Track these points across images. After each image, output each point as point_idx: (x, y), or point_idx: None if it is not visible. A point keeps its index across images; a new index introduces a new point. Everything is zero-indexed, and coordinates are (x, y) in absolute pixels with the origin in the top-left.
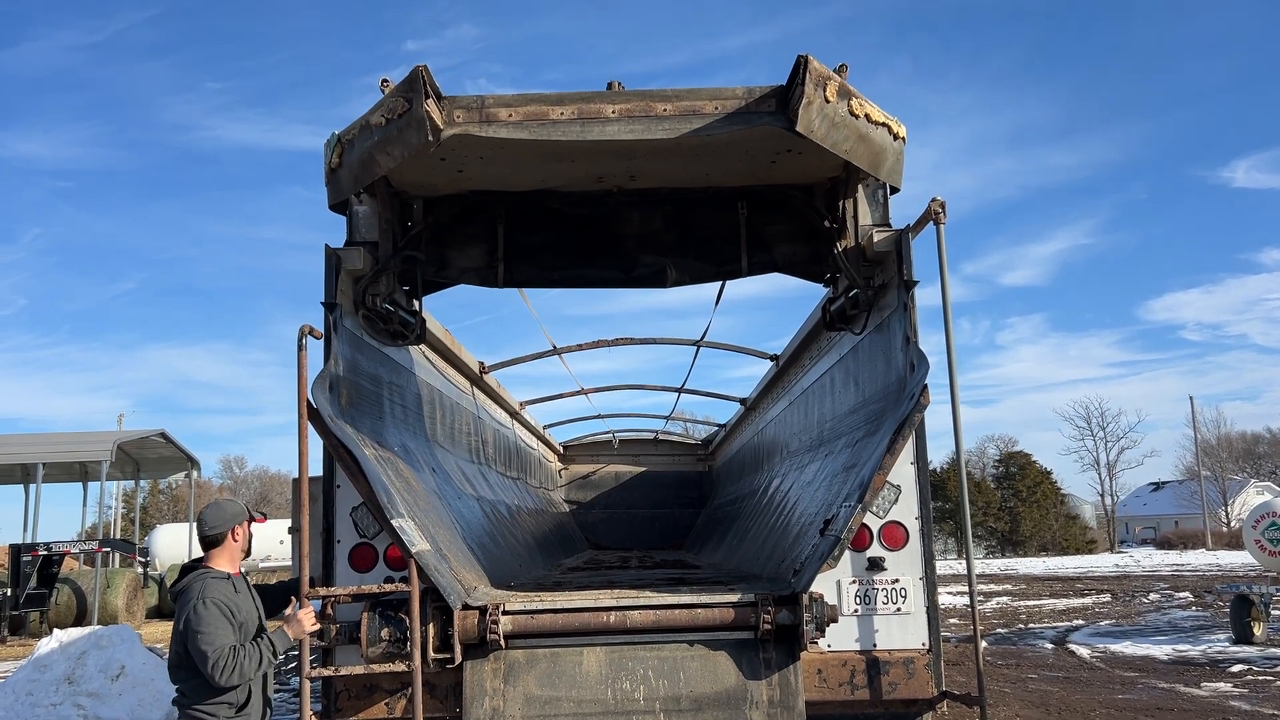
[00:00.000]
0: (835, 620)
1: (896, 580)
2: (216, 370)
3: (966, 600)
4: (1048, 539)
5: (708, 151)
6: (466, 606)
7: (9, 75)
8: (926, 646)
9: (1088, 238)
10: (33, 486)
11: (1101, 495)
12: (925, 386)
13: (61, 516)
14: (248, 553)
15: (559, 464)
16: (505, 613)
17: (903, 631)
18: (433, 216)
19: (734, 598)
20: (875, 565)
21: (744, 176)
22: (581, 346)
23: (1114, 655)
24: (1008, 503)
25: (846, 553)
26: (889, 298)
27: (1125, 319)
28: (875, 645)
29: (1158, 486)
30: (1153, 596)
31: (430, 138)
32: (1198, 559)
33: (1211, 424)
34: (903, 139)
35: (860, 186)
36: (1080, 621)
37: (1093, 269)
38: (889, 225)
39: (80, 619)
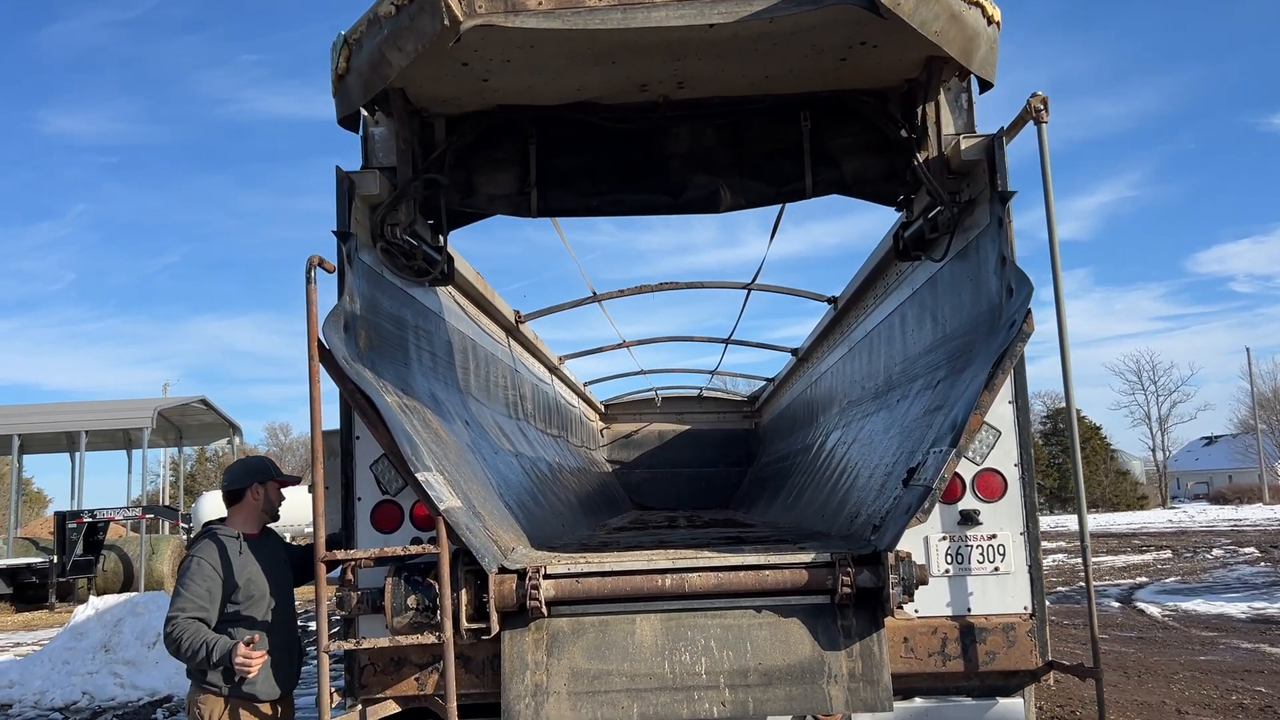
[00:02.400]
0: (925, 582)
1: (993, 536)
2: (261, 340)
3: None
4: (1097, 495)
5: (768, 46)
6: (503, 570)
7: (47, 54)
8: (1029, 610)
9: (1133, 190)
10: (78, 455)
11: (1153, 450)
12: (1029, 312)
13: (112, 485)
14: (274, 516)
15: (601, 423)
16: (547, 576)
17: (1001, 594)
18: (456, 137)
19: (807, 557)
20: (969, 519)
21: (808, 80)
22: (623, 293)
23: (1187, 614)
24: (1056, 459)
25: (936, 506)
26: (978, 215)
27: (1173, 272)
28: (970, 610)
29: (1210, 441)
30: (1216, 552)
31: (447, 23)
32: (1255, 514)
33: (1268, 376)
34: (997, 24)
35: (942, 90)
36: (1144, 579)
37: (1139, 222)
38: (975, 132)
39: (127, 585)
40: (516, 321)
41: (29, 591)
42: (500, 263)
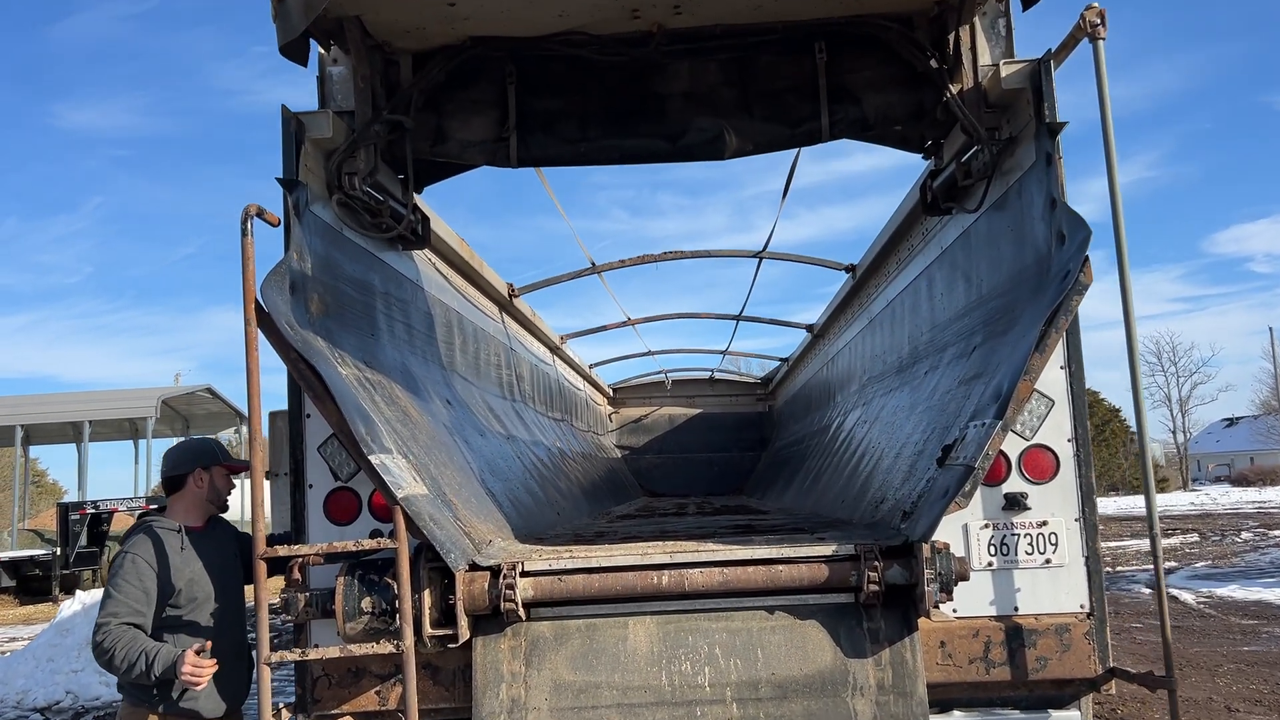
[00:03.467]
0: (966, 577)
1: (1044, 523)
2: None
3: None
4: (1117, 478)
5: None
6: (475, 567)
7: (61, 48)
8: (1086, 609)
9: (1150, 170)
10: (83, 446)
11: (1173, 432)
12: (1086, 259)
13: (121, 476)
14: (222, 505)
15: (609, 407)
16: (525, 574)
17: (1054, 590)
18: (424, 75)
19: (827, 550)
20: (1015, 504)
21: (823, 4)
22: (624, 263)
23: (1223, 600)
24: None
25: (978, 489)
26: (1020, 154)
27: (1191, 253)
28: (1017, 609)
29: (1231, 422)
30: (1245, 536)
31: None
32: (1279, 495)
33: None
34: None
35: (977, 13)
36: (1173, 563)
37: (1155, 203)
38: (1016, 58)
39: None
40: (510, 295)
41: (33, 584)
42: (511, 250)
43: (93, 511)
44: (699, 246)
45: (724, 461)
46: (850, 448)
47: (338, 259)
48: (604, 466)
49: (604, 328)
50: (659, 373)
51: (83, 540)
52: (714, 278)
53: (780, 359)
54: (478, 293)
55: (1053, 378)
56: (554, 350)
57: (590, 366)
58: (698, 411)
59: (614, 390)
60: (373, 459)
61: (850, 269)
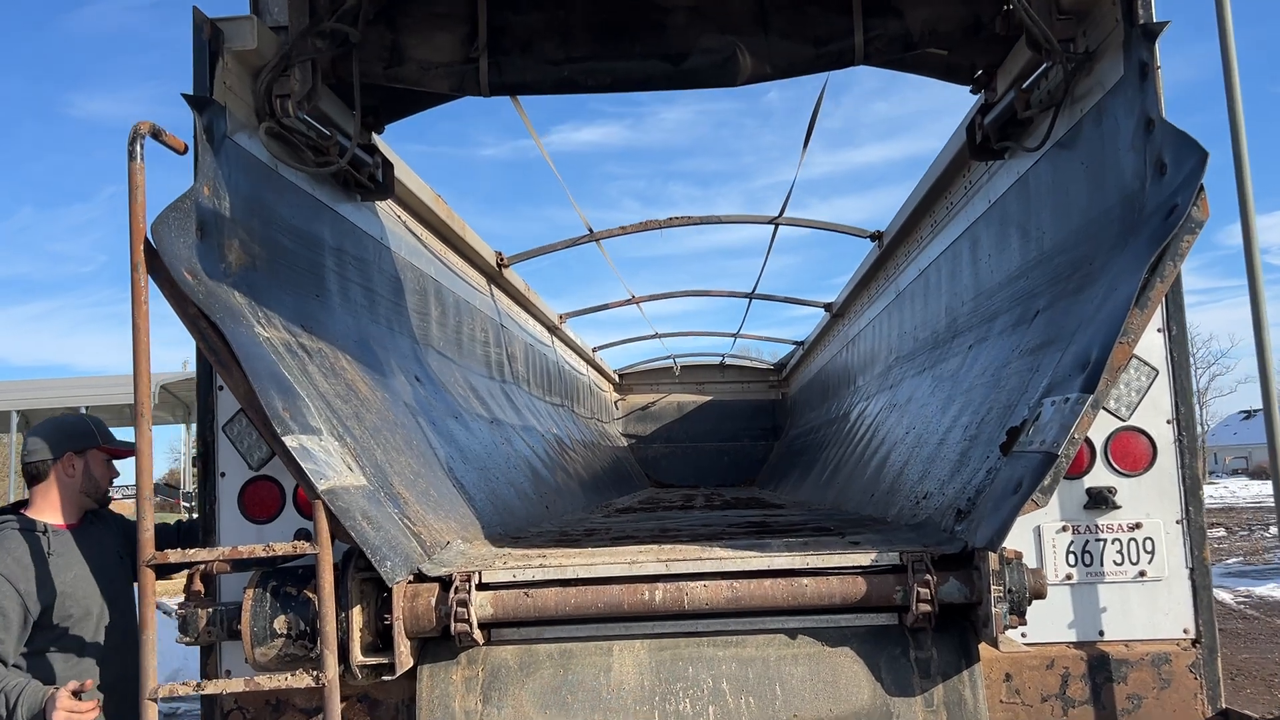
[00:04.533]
0: (1041, 595)
1: (1137, 525)
2: None
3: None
4: None
5: None
6: (421, 577)
7: (76, 38)
8: (1191, 635)
9: None
10: None
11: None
12: (1201, 189)
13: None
14: (101, 499)
15: (615, 393)
16: (483, 586)
17: (1150, 610)
18: None
19: (864, 558)
20: (1101, 501)
21: None
22: (625, 229)
23: (1263, 601)
24: None
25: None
26: (1102, 70)
27: (1203, 245)
28: (1102, 633)
29: (1249, 415)
30: (1274, 530)
31: None
32: None
33: None
34: None
35: None
36: None
37: None
38: None
39: None
40: (499, 266)
41: None
42: (524, 242)
43: None
44: (712, 234)
45: (735, 451)
46: (877, 436)
47: (270, 202)
48: (608, 456)
49: (606, 306)
50: (667, 357)
51: None
52: (726, 268)
53: (795, 342)
54: (461, 260)
55: (1148, 343)
56: (552, 330)
57: (594, 349)
58: (708, 398)
59: (620, 376)
60: (288, 440)
61: (876, 236)
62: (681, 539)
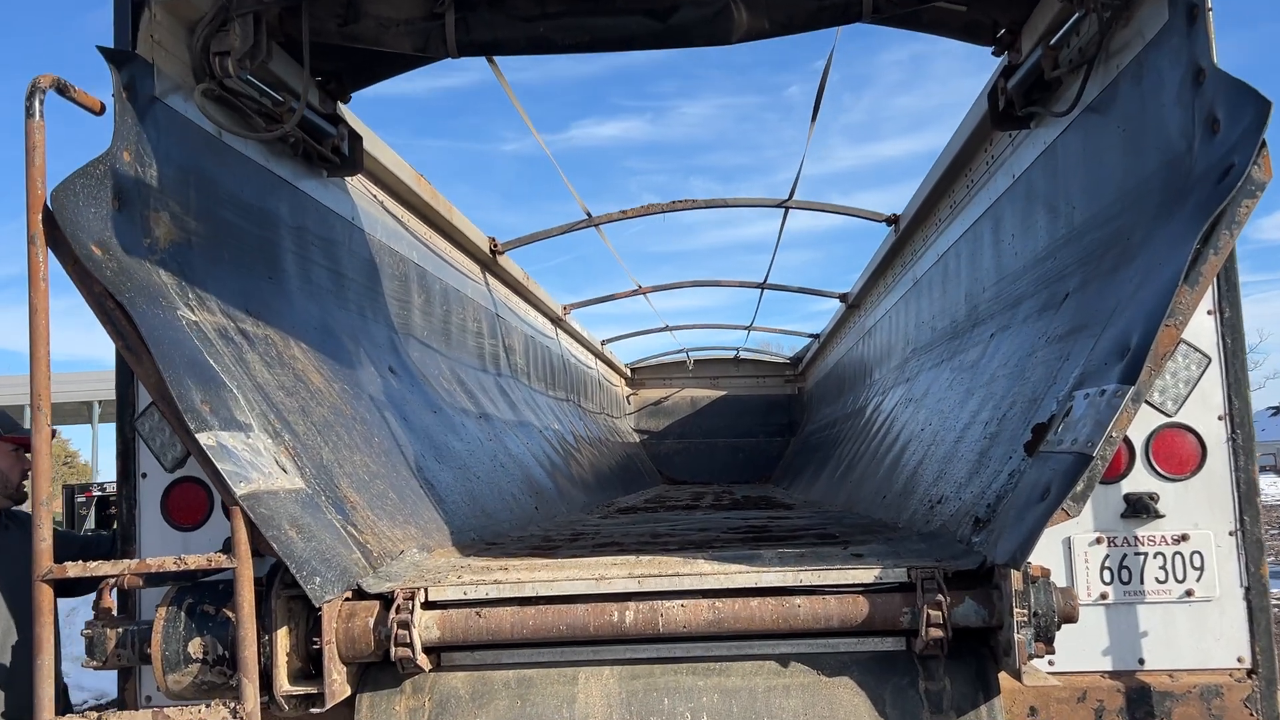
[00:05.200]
0: (1072, 618)
1: (1183, 537)
2: None
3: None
4: None
5: None
6: (360, 594)
7: (95, 37)
8: (1247, 664)
9: None
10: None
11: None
12: (1263, 144)
13: None
14: (15, 495)
15: (626, 388)
16: (429, 605)
17: (1199, 635)
18: None
19: (866, 573)
20: (1141, 509)
21: None
22: (626, 214)
23: None
24: None
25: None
26: (1141, 19)
27: None
28: (1143, 662)
29: (1277, 411)
30: None
31: None
32: None
33: None
34: None
35: None
36: None
37: None
38: None
39: None
40: (493, 252)
41: None
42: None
43: (99, 494)
44: (730, 232)
45: (750, 447)
46: (891, 432)
47: (212, 173)
48: (618, 452)
49: (612, 297)
50: (680, 351)
51: (90, 523)
52: (745, 262)
53: (811, 335)
54: (449, 245)
55: (1197, 327)
56: (556, 322)
57: (603, 343)
58: (722, 394)
59: (632, 370)
60: (202, 438)
61: (892, 220)
62: (669, 547)
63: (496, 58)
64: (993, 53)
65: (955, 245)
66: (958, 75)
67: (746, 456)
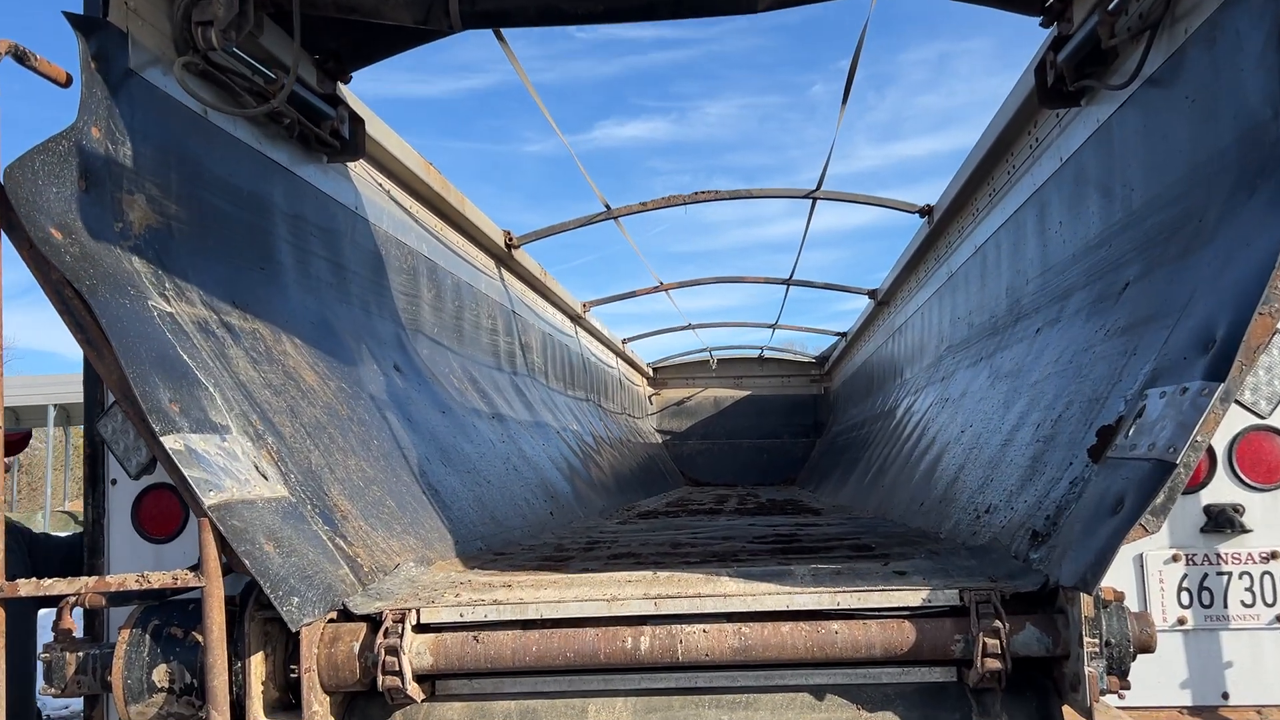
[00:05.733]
0: (1149, 648)
1: (1274, 555)
2: None
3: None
4: None
5: None
6: (347, 615)
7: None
8: None
9: None
10: None
11: None
12: None
13: None
14: None
15: (648, 388)
16: (420, 628)
17: None
18: None
19: (913, 594)
20: (1224, 523)
21: None
22: (646, 206)
23: None
24: None
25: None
26: None
27: None
28: (1227, 696)
29: None
30: None
31: None
32: None
33: None
34: None
35: None
36: None
37: None
38: None
39: None
40: (508, 246)
41: None
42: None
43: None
44: (754, 231)
45: (775, 449)
46: (926, 434)
47: (197, 154)
48: (639, 453)
49: (633, 294)
50: (703, 350)
51: None
52: (771, 261)
53: (838, 334)
54: (461, 238)
55: None
56: (576, 320)
57: (624, 341)
58: (746, 393)
59: (654, 369)
60: (168, 441)
61: (925, 211)
62: (690, 559)
63: (516, 55)
64: (1040, 23)
65: (995, 235)
66: (981, 74)
67: (771, 458)
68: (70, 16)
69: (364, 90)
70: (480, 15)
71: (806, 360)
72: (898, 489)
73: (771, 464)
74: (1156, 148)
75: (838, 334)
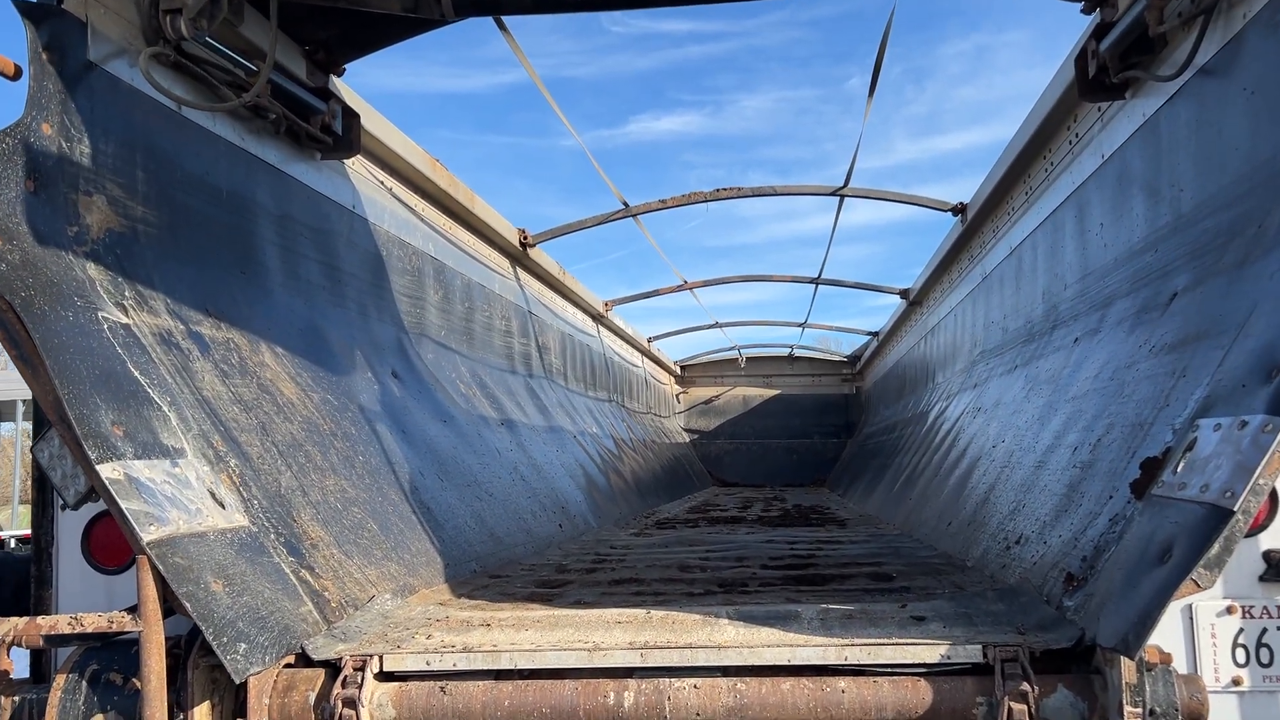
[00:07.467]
0: (1201, 716)
1: None
2: None
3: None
4: None
5: None
6: (306, 660)
7: None
8: None
9: None
10: None
11: None
12: None
13: None
14: None
15: (676, 386)
16: (383, 675)
17: None
18: None
19: (929, 651)
20: None
21: None
22: (665, 203)
23: None
24: None
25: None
26: None
27: None
28: None
29: None
30: None
31: None
32: None
33: None
34: None
35: None
36: None
37: None
38: None
39: None
40: (523, 245)
41: None
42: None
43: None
44: (789, 225)
45: (805, 449)
46: (957, 445)
47: (168, 152)
48: (666, 454)
49: (656, 292)
50: (731, 348)
51: None
52: (802, 257)
53: (870, 333)
54: (473, 238)
55: None
56: (598, 319)
57: (650, 340)
58: (775, 392)
59: (681, 368)
60: (105, 469)
61: (959, 210)
62: (694, 589)
63: (554, 51)
64: (1081, 9)
65: (1031, 236)
66: (1021, 66)
67: (801, 458)
68: (18, 4)
69: (393, 84)
70: (474, 3)
71: (838, 359)
72: (926, 503)
73: (801, 464)
74: (1210, 145)
75: (869, 333)
